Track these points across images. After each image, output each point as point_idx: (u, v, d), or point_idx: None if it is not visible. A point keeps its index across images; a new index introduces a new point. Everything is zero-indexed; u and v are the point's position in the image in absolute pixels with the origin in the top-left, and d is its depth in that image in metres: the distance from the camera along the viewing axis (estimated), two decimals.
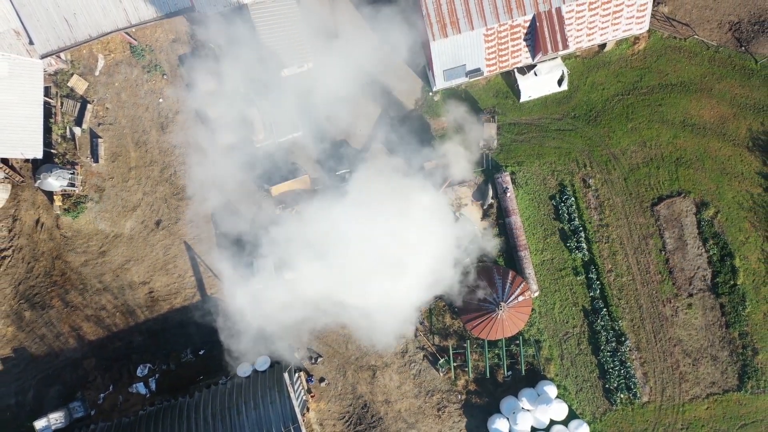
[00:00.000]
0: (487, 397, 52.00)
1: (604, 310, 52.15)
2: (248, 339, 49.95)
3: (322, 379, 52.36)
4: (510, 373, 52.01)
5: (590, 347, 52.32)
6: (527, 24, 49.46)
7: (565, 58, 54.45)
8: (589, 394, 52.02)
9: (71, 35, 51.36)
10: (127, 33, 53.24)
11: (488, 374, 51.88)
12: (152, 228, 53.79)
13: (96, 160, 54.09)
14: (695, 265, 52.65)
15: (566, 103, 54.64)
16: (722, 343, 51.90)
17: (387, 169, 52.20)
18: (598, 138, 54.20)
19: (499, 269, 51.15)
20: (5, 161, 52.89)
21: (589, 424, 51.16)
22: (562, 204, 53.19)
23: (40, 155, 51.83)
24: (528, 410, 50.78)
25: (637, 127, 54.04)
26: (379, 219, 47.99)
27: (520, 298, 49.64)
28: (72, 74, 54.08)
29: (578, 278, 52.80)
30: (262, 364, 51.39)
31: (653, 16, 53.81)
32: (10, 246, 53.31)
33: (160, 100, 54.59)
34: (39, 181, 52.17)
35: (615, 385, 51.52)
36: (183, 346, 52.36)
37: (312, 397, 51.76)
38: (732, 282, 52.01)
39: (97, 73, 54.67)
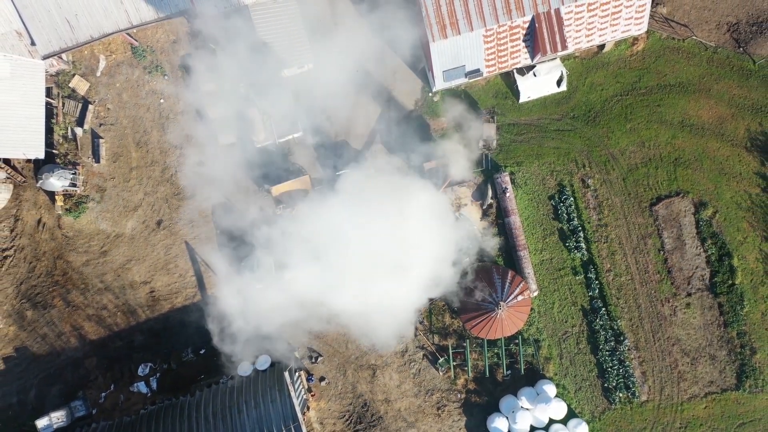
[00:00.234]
0: (487, 396, 52.24)
1: (603, 309, 52.39)
2: (248, 339, 50.22)
3: (322, 378, 52.60)
4: (509, 372, 52.23)
5: (589, 346, 52.55)
6: (526, 25, 49.68)
7: (564, 59, 54.68)
8: (588, 393, 52.25)
9: (73, 36, 51.62)
10: (128, 34, 53.46)
11: (488, 373, 52.11)
12: (153, 228, 54.04)
13: (97, 161, 54.34)
14: (694, 265, 52.89)
15: (565, 103, 54.87)
16: (720, 343, 52.13)
17: (387, 168, 52.46)
18: (597, 138, 54.44)
19: (498, 269, 51.38)
20: (7, 161, 53.14)
21: (588, 423, 51.40)
22: (561, 204, 53.43)
23: (41, 155, 52.06)
24: (527, 409, 51.01)
25: (636, 128, 54.28)
26: (379, 219, 48.15)
27: (520, 298, 49.88)
28: (73, 75, 54.32)
29: (577, 278, 53.03)
30: (263, 363, 51.64)
31: (652, 17, 54.04)
32: (12, 246, 53.57)
33: (161, 100, 54.84)
34: (41, 181, 52.41)
35: (614, 384, 51.75)
36: (184, 345, 52.58)
37: (312, 396, 51.99)
38: (730, 281, 52.25)
39: (98, 74, 54.92)
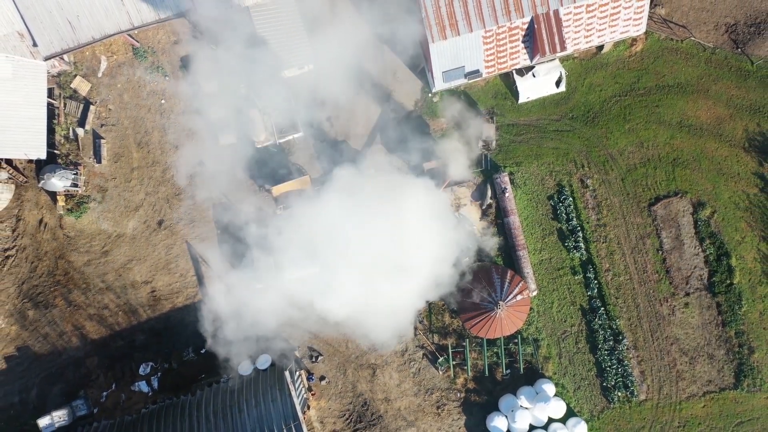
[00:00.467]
0: (486, 395, 52.45)
1: (602, 309, 52.63)
2: (248, 338, 50.48)
3: (322, 378, 52.83)
4: (508, 371, 52.46)
5: (588, 346, 52.78)
6: (525, 26, 49.92)
7: (563, 60, 54.94)
8: (586, 392, 52.48)
9: (74, 37, 51.88)
10: (129, 35, 53.70)
11: (487, 372, 52.33)
12: (154, 228, 54.29)
13: (99, 161, 54.59)
14: (692, 265, 53.13)
15: (564, 104, 55.12)
16: (719, 342, 52.36)
17: (386, 168, 52.72)
18: (595, 139, 54.68)
19: (497, 268, 51.62)
20: (9, 162, 53.37)
21: (587, 422, 51.59)
22: (560, 204, 53.67)
23: (43, 156, 52.28)
24: (526, 408, 51.22)
25: (635, 128, 54.53)
26: (378, 219, 48.33)
27: (519, 297, 50.11)
28: (75, 76, 54.57)
29: (576, 277, 53.27)
30: (264, 362, 51.87)
31: (650, 18, 54.29)
32: (14, 246, 53.80)
33: (162, 101, 55.10)
34: (42, 181, 52.63)
35: (612, 383, 51.97)
36: (185, 344, 52.77)
37: (313, 395, 52.21)
38: (728, 281, 52.47)
39: (99, 75, 55.17)
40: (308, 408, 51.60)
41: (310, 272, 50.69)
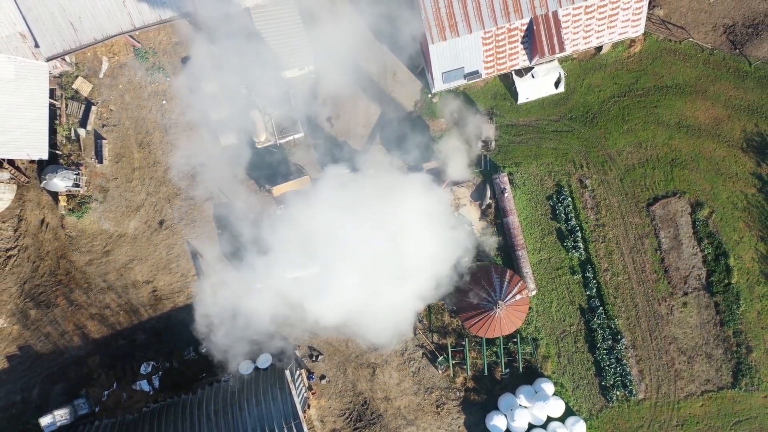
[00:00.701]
0: (485, 394, 52.68)
1: (601, 308, 52.87)
2: (248, 338, 50.72)
3: (322, 377, 53.08)
4: (508, 370, 52.69)
5: (587, 345, 53.02)
6: (524, 27, 50.16)
7: (561, 61, 55.19)
8: (585, 392, 52.72)
9: (76, 38, 52.12)
10: (130, 36, 53.96)
11: (486, 372, 52.56)
12: (155, 228, 54.55)
13: (100, 161, 54.86)
14: (690, 265, 53.38)
15: (563, 104, 55.38)
16: (717, 341, 52.61)
17: (386, 168, 52.96)
18: (594, 139, 54.94)
19: (496, 268, 51.86)
20: (11, 162, 53.62)
21: (585, 420, 51.80)
22: (559, 204, 53.93)
23: (45, 156, 52.55)
24: (525, 407, 51.45)
25: (633, 129, 54.78)
26: (377, 219, 48.54)
27: (518, 297, 50.36)
28: (77, 76, 54.84)
29: (575, 277, 53.53)
30: (264, 361, 52.11)
31: (648, 19, 54.54)
32: (16, 245, 54.05)
33: (163, 101, 55.38)
34: (44, 181, 52.90)
35: (611, 382, 52.20)
36: (186, 343, 52.98)
37: (313, 394, 52.45)
38: (726, 281, 52.71)
39: (101, 76, 55.45)
40: (308, 407, 51.83)
41: (310, 272, 50.93)
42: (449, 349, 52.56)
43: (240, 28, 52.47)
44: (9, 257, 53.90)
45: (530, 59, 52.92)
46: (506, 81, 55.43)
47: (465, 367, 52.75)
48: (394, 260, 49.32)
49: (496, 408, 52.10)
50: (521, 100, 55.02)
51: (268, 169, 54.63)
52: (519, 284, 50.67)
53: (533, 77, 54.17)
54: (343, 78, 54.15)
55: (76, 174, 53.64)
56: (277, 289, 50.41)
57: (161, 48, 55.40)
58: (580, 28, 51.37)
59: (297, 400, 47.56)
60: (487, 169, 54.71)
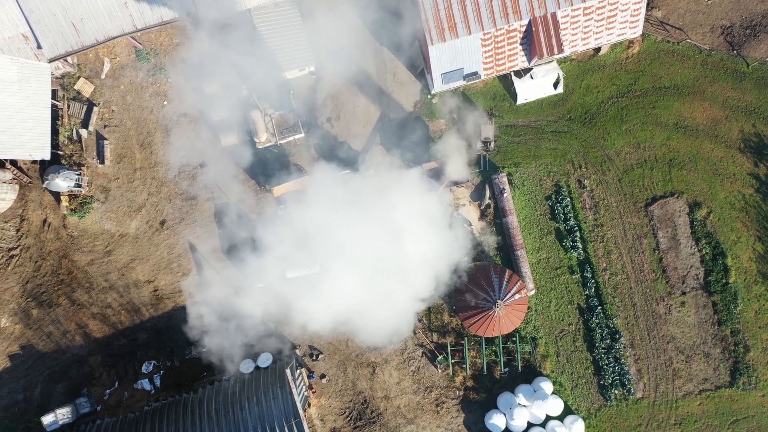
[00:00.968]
0: (485, 393, 52.91)
1: (599, 308, 53.13)
2: (248, 337, 51.01)
3: (323, 376, 53.34)
4: (507, 369, 52.92)
5: (585, 344, 53.27)
6: (523, 28, 50.44)
7: (560, 62, 55.46)
8: (584, 390, 52.96)
9: (78, 39, 52.39)
10: (132, 37, 54.20)
11: (485, 371, 52.79)
12: (157, 228, 54.83)
13: (102, 162, 55.13)
14: (688, 264, 53.65)
15: (562, 105, 55.64)
16: (714, 341, 52.86)
17: (386, 169, 53.16)
18: (593, 140, 55.22)
19: (496, 268, 52.13)
20: (14, 162, 53.93)
21: (584, 419, 52.01)
22: (558, 204, 54.20)
23: (47, 157, 52.84)
24: (524, 406, 51.64)
25: (632, 129, 55.05)
26: (377, 219, 48.75)
27: (517, 296, 50.62)
28: (79, 77, 55.09)
29: (574, 277, 53.79)
30: (265, 360, 52.37)
31: (647, 20, 54.79)
32: (18, 245, 54.35)
33: (165, 102, 55.66)
34: (46, 181, 53.17)
35: (609, 381, 52.45)
36: (187, 343, 53.19)
37: (313, 393, 52.69)
38: (724, 280, 52.96)
39: (103, 76, 55.73)
40: (309, 406, 52.06)
41: (310, 272, 51.21)
42: (449, 349, 52.77)
43: (241, 29, 52.70)
44: (11, 257, 54.21)
45: (529, 60, 53.20)
46: (505, 82, 55.70)
47: (464, 366, 52.98)
48: (394, 260, 49.58)
49: (495, 407, 52.32)
50: (520, 100, 55.29)
51: (269, 169, 54.88)
52: (518, 284, 50.94)
53: (532, 78, 54.44)
54: (344, 79, 54.44)
55: (77, 174, 53.91)
56: (278, 289, 50.62)
57: (162, 49, 55.67)
58: (579, 29, 51.65)
59: (297, 399, 47.81)
60: (486, 170, 54.97)
